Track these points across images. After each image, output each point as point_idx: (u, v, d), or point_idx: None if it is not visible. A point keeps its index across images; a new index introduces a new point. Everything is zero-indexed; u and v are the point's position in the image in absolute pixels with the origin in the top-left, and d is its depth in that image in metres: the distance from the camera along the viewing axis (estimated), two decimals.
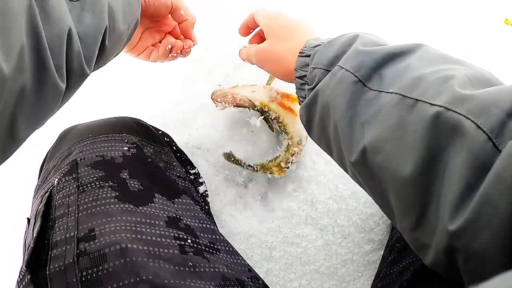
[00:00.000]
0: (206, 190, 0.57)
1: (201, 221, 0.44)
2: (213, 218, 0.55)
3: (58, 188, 0.42)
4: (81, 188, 0.41)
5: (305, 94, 0.43)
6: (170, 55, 0.53)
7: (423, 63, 0.33)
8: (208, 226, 0.44)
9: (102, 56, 0.38)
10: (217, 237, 0.44)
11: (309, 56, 0.42)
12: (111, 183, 0.42)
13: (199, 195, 0.54)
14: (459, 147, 0.28)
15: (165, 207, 0.43)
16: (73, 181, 0.42)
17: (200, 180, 0.56)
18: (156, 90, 0.63)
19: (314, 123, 0.42)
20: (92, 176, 0.42)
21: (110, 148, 0.46)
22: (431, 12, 0.74)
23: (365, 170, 0.35)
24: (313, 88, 0.41)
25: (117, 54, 0.45)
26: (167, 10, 0.51)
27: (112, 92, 0.65)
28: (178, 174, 0.50)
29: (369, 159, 0.34)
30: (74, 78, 0.34)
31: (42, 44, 0.29)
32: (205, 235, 0.43)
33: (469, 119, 0.27)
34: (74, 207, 0.40)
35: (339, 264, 0.59)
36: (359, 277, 0.60)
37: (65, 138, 0.49)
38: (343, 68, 0.37)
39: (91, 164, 0.44)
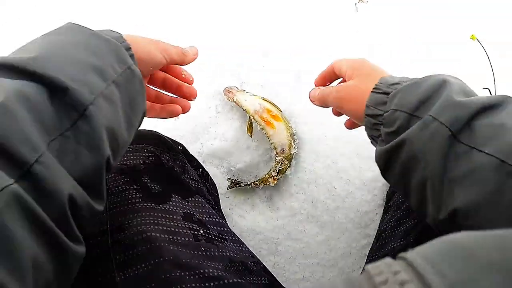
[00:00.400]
0: (217, 191, 0.64)
1: (211, 216, 0.52)
2: (222, 213, 0.62)
3: None
4: (109, 191, 0.49)
5: (379, 135, 0.41)
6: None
7: None
8: (217, 220, 0.52)
9: (112, 168, 0.35)
10: (225, 229, 0.51)
11: (385, 94, 0.41)
12: (135, 186, 0.49)
13: (210, 194, 0.62)
14: None
15: (181, 205, 0.51)
16: None
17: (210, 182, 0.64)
18: None
19: (394, 169, 0.40)
20: (119, 181, 0.50)
21: (131, 157, 0.53)
22: (400, 33, 0.81)
23: (452, 229, 0.32)
24: (394, 132, 0.39)
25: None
26: (161, 66, 0.47)
27: None
28: (191, 177, 0.58)
29: (460, 221, 0.32)
30: (89, 223, 0.32)
31: (50, 232, 0.27)
32: (215, 227, 0.50)
33: None
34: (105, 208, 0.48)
35: (339, 257, 0.66)
36: (358, 268, 0.66)
37: None
38: (437, 120, 0.35)
39: (117, 171, 0.51)
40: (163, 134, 0.68)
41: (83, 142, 0.30)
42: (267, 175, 0.66)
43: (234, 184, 0.67)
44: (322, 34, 0.76)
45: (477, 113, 0.34)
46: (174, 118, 0.55)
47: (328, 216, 0.66)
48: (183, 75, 0.54)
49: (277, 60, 0.73)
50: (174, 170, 0.55)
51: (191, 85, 0.54)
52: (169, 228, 0.47)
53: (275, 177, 0.65)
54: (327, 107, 0.53)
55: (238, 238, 0.52)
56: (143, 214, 0.47)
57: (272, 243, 0.66)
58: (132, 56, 0.39)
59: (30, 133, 0.27)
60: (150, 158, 0.54)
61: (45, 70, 0.30)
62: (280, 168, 0.65)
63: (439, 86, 0.37)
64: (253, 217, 0.67)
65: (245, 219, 0.67)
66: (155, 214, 0.47)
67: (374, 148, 0.44)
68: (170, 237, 0.45)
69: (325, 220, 0.66)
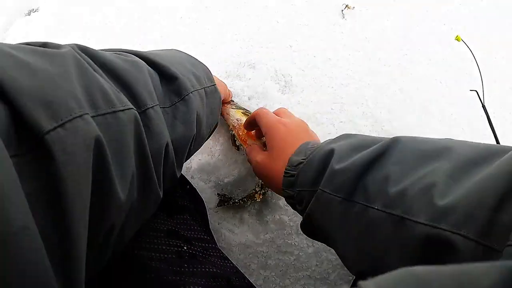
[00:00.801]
0: (205, 207, 0.65)
1: (196, 233, 0.52)
2: (209, 230, 0.62)
3: None
4: None
5: (300, 211, 0.46)
6: None
7: (402, 170, 0.33)
8: (202, 236, 0.52)
9: (188, 158, 0.43)
10: (210, 245, 0.52)
11: (293, 176, 0.45)
12: None
13: (197, 211, 0.62)
14: (450, 260, 0.27)
15: (166, 222, 0.51)
16: None
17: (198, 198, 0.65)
18: None
19: (317, 238, 0.46)
20: None
21: None
22: (387, 37, 0.82)
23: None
24: (303, 209, 0.43)
25: None
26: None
27: None
28: (178, 194, 0.58)
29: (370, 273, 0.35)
30: (167, 185, 0.37)
31: (148, 161, 0.32)
32: (199, 244, 0.50)
33: (455, 233, 0.27)
34: None
35: (330, 269, 0.65)
36: (350, 280, 0.65)
37: None
38: (325, 192, 0.39)
39: None
40: None
41: (179, 118, 0.38)
42: (252, 191, 0.66)
43: (223, 202, 0.67)
44: (309, 43, 0.77)
45: (364, 171, 0.36)
46: None
47: None
48: None
49: (263, 71, 0.74)
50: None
51: None
52: (152, 246, 0.47)
53: (259, 192, 0.65)
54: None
55: (223, 254, 0.52)
56: None
57: (262, 257, 0.65)
58: (215, 85, 0.51)
59: (151, 86, 0.35)
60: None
61: (164, 63, 0.39)
62: (262, 183, 0.65)
63: (326, 157, 0.41)
64: (243, 232, 0.67)
65: (234, 233, 0.67)
66: (139, 231, 0.48)
67: None
68: (153, 254, 0.45)
69: None
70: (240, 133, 0.64)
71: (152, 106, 0.33)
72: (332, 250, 0.65)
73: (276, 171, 0.49)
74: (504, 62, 0.88)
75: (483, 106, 0.57)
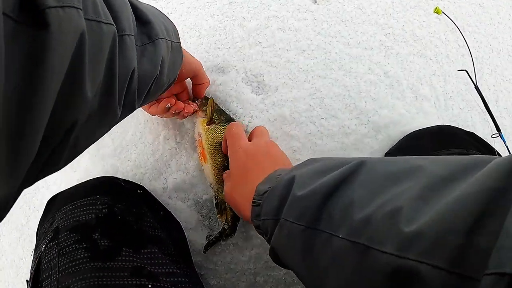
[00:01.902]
0: (182, 231, 0.61)
1: (164, 267, 0.49)
2: (187, 257, 0.59)
3: (44, 253, 0.50)
4: (61, 251, 0.49)
5: (267, 241, 0.44)
6: (168, 112, 0.59)
7: (367, 195, 0.32)
8: (171, 270, 0.49)
9: (146, 98, 0.46)
10: (180, 279, 0.48)
11: (259, 205, 0.44)
12: (85, 245, 0.49)
13: (171, 238, 0.59)
14: None
15: (131, 259, 0.48)
16: (55, 246, 0.49)
17: (173, 223, 0.61)
18: (128, 144, 0.69)
19: (288, 268, 0.43)
20: (70, 240, 0.50)
21: (85, 212, 0.53)
22: (363, 20, 0.74)
23: None
24: (269, 239, 0.42)
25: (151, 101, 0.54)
26: (190, 75, 0.60)
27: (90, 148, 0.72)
28: (148, 224, 0.55)
29: None
30: (125, 110, 0.40)
31: (114, 77, 0.34)
32: (167, 279, 0.47)
33: (423, 262, 0.24)
34: (56, 269, 0.48)
35: None
36: None
37: (50, 206, 0.57)
38: (287, 220, 0.37)
39: (69, 229, 0.51)
40: (123, 175, 0.66)
41: (146, 56, 0.40)
42: (222, 229, 0.61)
43: (209, 245, 0.62)
44: (280, 36, 0.71)
45: (328, 196, 0.34)
46: (133, 156, 0.67)
47: None
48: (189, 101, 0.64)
49: (233, 74, 0.69)
50: (127, 221, 0.53)
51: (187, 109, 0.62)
52: (115, 286, 0.44)
53: (228, 221, 0.60)
54: None
55: (198, 285, 0.49)
56: (89, 275, 0.46)
57: (250, 274, 0.62)
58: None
59: (131, 20, 0.38)
60: (104, 210, 0.53)
61: (141, 7, 0.42)
62: (229, 219, 0.60)
63: (288, 185, 0.39)
64: (227, 250, 0.63)
65: (219, 252, 0.63)
66: (101, 274, 0.46)
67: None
68: None
69: None
70: (198, 150, 0.60)
71: (129, 35, 0.36)
72: None
73: (240, 201, 0.49)
74: (493, 28, 0.79)
75: (476, 87, 0.50)
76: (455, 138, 0.58)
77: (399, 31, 0.74)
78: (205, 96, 0.65)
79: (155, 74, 0.42)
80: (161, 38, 0.43)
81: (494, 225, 0.22)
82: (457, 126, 0.65)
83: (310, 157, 0.64)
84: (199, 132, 0.62)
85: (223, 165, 0.59)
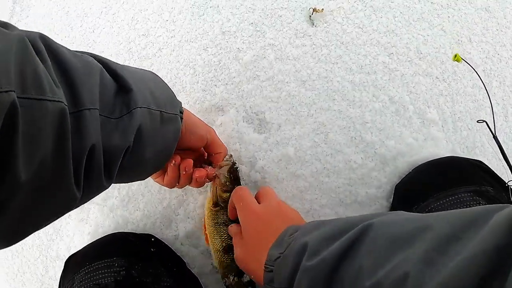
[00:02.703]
0: (197, 281, 0.62)
1: None
2: None
3: None
4: None
5: None
6: (183, 179, 0.54)
7: (375, 260, 0.33)
8: None
9: (123, 174, 0.42)
10: None
11: (272, 271, 0.43)
12: None
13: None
14: None
15: None
16: None
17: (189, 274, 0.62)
18: (135, 194, 0.69)
19: None
20: None
21: (103, 275, 0.54)
22: (363, 45, 0.70)
23: None
24: None
25: (144, 177, 0.51)
26: (201, 145, 0.56)
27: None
28: (166, 284, 0.56)
29: None
30: (91, 188, 0.38)
31: (65, 156, 0.32)
32: None
33: None
34: None
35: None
36: None
37: (68, 264, 0.58)
38: None
39: None
40: (133, 230, 0.66)
41: (120, 128, 0.38)
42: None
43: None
44: (278, 67, 0.68)
45: (337, 264, 0.35)
46: (141, 205, 0.65)
47: None
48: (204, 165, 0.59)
49: (233, 113, 0.67)
50: (145, 282, 0.54)
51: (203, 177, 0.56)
52: None
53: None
54: None
55: None
56: None
57: None
58: (181, 117, 0.50)
59: (96, 91, 0.36)
60: (122, 273, 0.55)
61: (123, 74, 0.41)
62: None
63: (301, 253, 0.39)
64: None
65: None
66: None
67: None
68: None
69: None
70: (203, 231, 0.60)
71: (89, 109, 0.34)
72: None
73: (253, 265, 0.49)
74: (501, 34, 0.75)
75: (495, 137, 0.48)
76: (464, 173, 0.57)
77: (402, 49, 0.70)
78: (225, 163, 0.58)
79: (125, 145, 0.39)
80: (140, 107, 0.41)
81: (497, 285, 0.24)
82: (465, 154, 0.63)
83: (317, 195, 0.64)
84: (204, 211, 0.60)
85: (224, 246, 0.57)
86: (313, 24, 0.70)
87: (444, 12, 0.74)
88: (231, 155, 0.59)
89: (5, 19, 0.86)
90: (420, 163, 0.63)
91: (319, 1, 0.71)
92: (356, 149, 0.65)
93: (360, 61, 0.69)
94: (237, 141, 0.66)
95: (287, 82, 0.67)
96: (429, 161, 0.62)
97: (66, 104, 0.32)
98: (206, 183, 0.59)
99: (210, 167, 0.58)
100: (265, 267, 0.45)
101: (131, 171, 0.45)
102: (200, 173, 0.55)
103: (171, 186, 0.55)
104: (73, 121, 0.33)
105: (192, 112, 0.56)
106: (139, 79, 0.43)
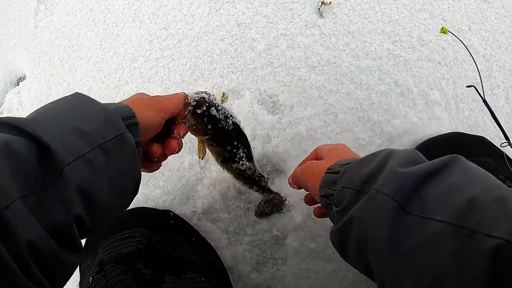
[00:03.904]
0: (214, 252, 0.66)
1: None
2: (224, 276, 0.64)
3: (92, 285, 0.54)
4: (108, 282, 0.53)
5: (333, 215, 0.41)
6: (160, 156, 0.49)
7: (468, 181, 0.31)
8: None
9: (89, 231, 0.37)
10: None
11: (336, 173, 0.41)
12: (130, 275, 0.53)
13: (208, 261, 0.63)
14: None
15: (174, 285, 0.53)
16: (102, 278, 0.54)
17: (207, 245, 0.66)
18: (155, 173, 0.73)
19: (350, 249, 0.38)
20: (116, 271, 0.54)
21: (126, 244, 0.57)
22: (369, 34, 0.75)
23: None
24: (343, 210, 0.38)
25: (126, 207, 0.45)
26: (159, 126, 0.48)
27: None
28: (185, 251, 0.60)
29: None
30: (58, 273, 0.33)
31: (11, 271, 0.28)
32: None
33: None
34: None
35: (350, 286, 0.65)
36: None
37: (89, 239, 0.62)
38: (381, 192, 0.34)
39: (114, 261, 0.55)
40: (153, 207, 0.70)
41: (57, 199, 0.32)
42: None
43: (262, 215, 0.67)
44: (290, 54, 0.73)
45: (423, 181, 0.32)
46: (161, 183, 0.63)
47: (331, 249, 0.65)
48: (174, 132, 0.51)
49: (248, 96, 0.72)
50: (166, 250, 0.57)
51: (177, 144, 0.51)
52: None
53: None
54: (301, 188, 0.53)
55: None
56: None
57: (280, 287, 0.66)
58: (134, 124, 0.42)
59: (5, 182, 0.30)
60: (143, 242, 0.58)
61: (34, 130, 0.33)
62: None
63: (384, 159, 0.36)
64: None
65: (255, 270, 0.68)
66: None
67: None
68: None
69: (328, 253, 0.65)
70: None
71: (7, 206, 0.29)
72: (350, 268, 0.65)
73: (321, 169, 0.45)
74: (500, 23, 0.80)
75: (484, 101, 0.52)
76: (467, 147, 0.60)
77: (405, 37, 0.75)
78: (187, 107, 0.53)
79: (68, 219, 0.33)
80: (68, 164, 0.33)
81: None
82: (468, 132, 0.67)
83: None
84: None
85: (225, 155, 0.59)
86: (322, 16, 0.76)
87: (444, 3, 0.79)
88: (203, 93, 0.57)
89: (30, 17, 0.93)
90: (425, 140, 0.67)
91: None
92: (364, 128, 0.69)
93: (366, 48, 0.74)
94: (252, 122, 0.70)
95: (298, 68, 0.72)
96: (433, 137, 0.66)
97: None
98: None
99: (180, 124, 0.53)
100: (328, 168, 0.43)
101: (103, 221, 0.39)
102: (172, 145, 0.49)
103: (156, 166, 0.53)
104: None
105: None
106: (56, 122, 0.36)
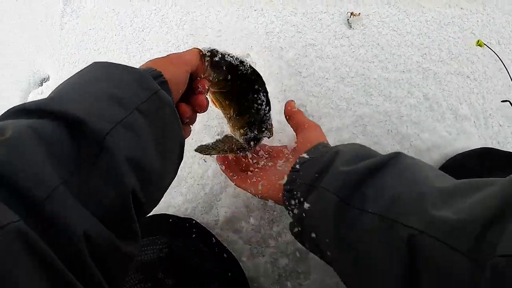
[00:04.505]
0: (235, 261, 0.65)
1: None
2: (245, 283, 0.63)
3: None
4: None
5: (291, 209, 0.45)
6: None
7: (399, 179, 0.35)
8: None
9: (143, 211, 0.33)
10: None
11: (297, 171, 0.45)
12: (150, 284, 0.53)
13: (230, 271, 0.62)
14: (434, 269, 0.28)
15: None
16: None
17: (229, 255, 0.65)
18: (178, 179, 0.73)
19: (305, 239, 0.44)
20: (135, 280, 0.54)
21: (146, 252, 0.57)
22: (399, 47, 0.75)
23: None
24: (298, 204, 0.43)
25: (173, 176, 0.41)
26: (185, 82, 0.44)
27: None
28: (206, 261, 0.59)
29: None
30: (117, 265, 0.30)
31: (56, 267, 0.24)
32: None
33: (441, 241, 0.28)
34: None
35: None
36: None
37: None
38: (326, 189, 0.38)
39: (134, 269, 0.55)
40: (176, 214, 0.69)
41: (103, 176, 0.28)
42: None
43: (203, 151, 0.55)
44: (318, 64, 0.73)
45: (365, 178, 0.37)
46: (184, 190, 0.63)
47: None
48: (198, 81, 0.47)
49: (276, 107, 0.71)
50: (188, 259, 0.57)
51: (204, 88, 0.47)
52: None
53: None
54: None
55: None
56: None
57: None
58: (163, 82, 0.38)
59: (40, 168, 0.25)
60: (164, 250, 0.57)
61: (60, 107, 0.29)
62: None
63: (332, 158, 0.41)
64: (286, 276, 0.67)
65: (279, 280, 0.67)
66: None
67: None
68: None
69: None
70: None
71: (49, 195, 0.25)
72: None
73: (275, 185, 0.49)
74: None
75: None
76: (497, 162, 0.60)
77: (435, 50, 0.75)
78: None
79: (123, 195, 0.29)
80: (109, 132, 0.29)
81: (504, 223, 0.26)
82: (497, 148, 0.66)
83: None
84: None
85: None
86: (351, 27, 0.75)
87: (473, 17, 0.78)
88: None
89: (56, 20, 0.94)
90: (454, 155, 0.66)
91: (356, 6, 0.77)
92: (393, 141, 0.68)
93: (395, 60, 0.73)
94: (280, 132, 0.70)
95: (327, 79, 0.72)
96: (463, 152, 0.65)
97: (17, 217, 0.23)
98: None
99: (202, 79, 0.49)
100: (292, 168, 0.45)
101: (156, 195, 0.37)
102: (200, 101, 0.46)
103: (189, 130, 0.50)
104: (38, 227, 0.24)
105: None
106: (81, 93, 0.32)
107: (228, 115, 0.58)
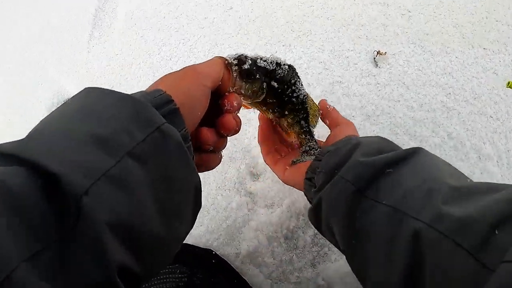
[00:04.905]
0: None
1: None
2: None
3: None
4: None
5: (311, 198, 0.46)
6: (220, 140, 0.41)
7: (414, 174, 0.35)
8: None
9: (143, 280, 0.28)
10: None
11: (320, 160, 0.46)
12: None
13: None
14: (437, 263, 0.29)
15: None
16: None
17: None
18: (201, 210, 0.73)
19: (322, 226, 0.44)
20: None
21: (165, 280, 0.57)
22: (424, 86, 0.76)
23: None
24: (317, 191, 0.43)
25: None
26: (205, 106, 0.37)
27: None
28: None
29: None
30: None
31: None
32: None
33: (447, 236, 0.28)
34: None
35: None
36: None
37: None
38: (343, 178, 0.39)
39: None
40: (195, 242, 0.70)
41: (82, 250, 0.22)
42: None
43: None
44: (345, 102, 0.74)
45: (382, 170, 0.37)
46: (206, 221, 0.63)
47: None
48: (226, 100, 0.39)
49: None
50: None
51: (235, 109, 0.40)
52: None
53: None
54: None
55: None
56: None
57: None
58: (172, 111, 0.30)
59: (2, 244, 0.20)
60: (183, 279, 0.57)
61: (32, 155, 0.23)
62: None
63: (352, 150, 0.41)
64: None
65: None
66: None
67: None
68: None
69: None
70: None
71: (7, 276, 0.19)
72: None
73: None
74: None
75: None
76: None
77: (459, 90, 0.76)
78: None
79: (106, 271, 0.23)
80: (85, 193, 0.23)
81: None
82: None
83: None
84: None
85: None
86: (377, 65, 0.77)
87: (495, 57, 0.80)
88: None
89: (83, 42, 0.96)
90: None
91: (382, 46, 0.78)
92: None
93: (420, 99, 0.74)
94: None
95: (353, 116, 0.73)
96: None
97: None
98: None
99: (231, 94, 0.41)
100: (316, 156, 0.47)
101: (163, 258, 0.30)
102: (229, 122, 0.39)
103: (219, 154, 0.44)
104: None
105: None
106: (60, 136, 0.25)
107: (271, 118, 0.54)
